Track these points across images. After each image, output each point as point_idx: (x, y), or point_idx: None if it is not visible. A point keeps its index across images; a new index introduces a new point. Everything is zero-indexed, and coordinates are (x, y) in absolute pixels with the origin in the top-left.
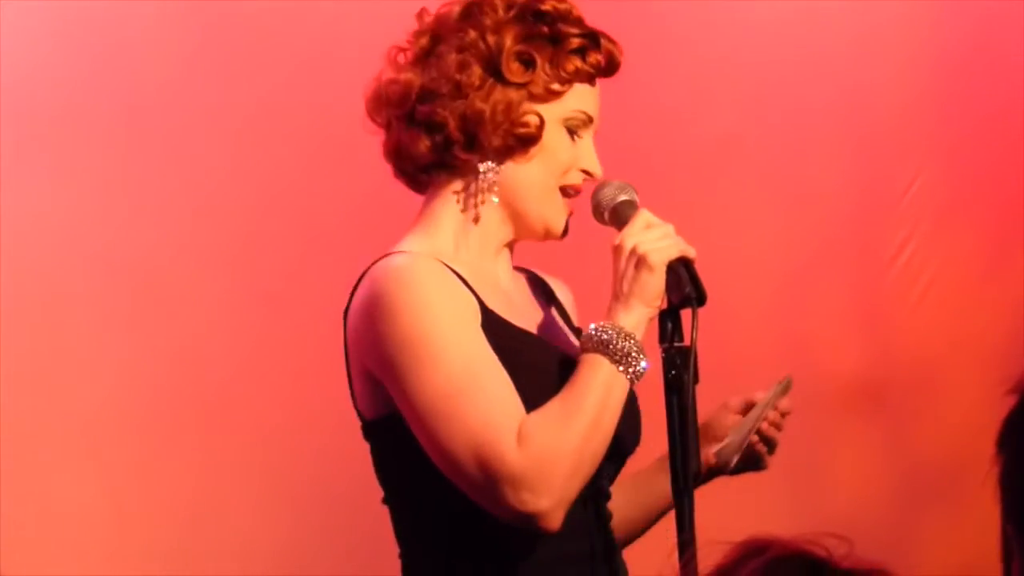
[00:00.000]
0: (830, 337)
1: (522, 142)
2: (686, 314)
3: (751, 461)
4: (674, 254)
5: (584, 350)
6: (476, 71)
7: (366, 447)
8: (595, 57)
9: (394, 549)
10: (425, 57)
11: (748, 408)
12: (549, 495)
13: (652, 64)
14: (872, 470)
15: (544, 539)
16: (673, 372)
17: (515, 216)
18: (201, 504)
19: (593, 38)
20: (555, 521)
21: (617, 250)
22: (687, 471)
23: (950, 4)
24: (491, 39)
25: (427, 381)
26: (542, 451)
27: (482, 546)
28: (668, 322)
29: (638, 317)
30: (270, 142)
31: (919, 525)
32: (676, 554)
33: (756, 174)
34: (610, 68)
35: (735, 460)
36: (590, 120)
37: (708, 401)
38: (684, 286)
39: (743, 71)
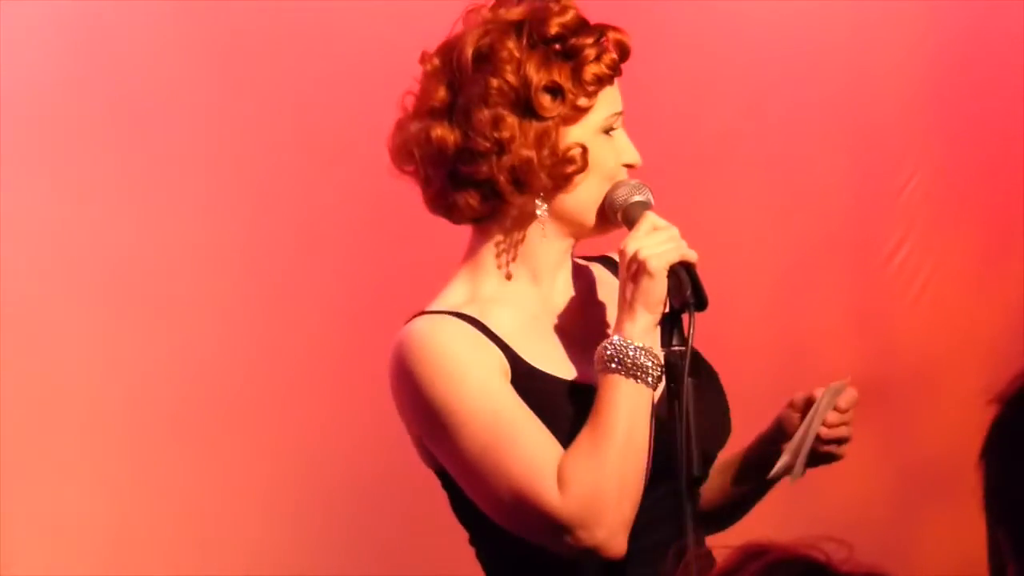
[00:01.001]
0: (826, 335)
1: (571, 176)
2: (688, 318)
3: (823, 459)
4: (674, 258)
5: (599, 371)
6: (511, 122)
7: (371, 451)
8: (609, 56)
9: (399, 552)
10: (447, 110)
11: (810, 404)
12: (603, 527)
13: (648, 64)
14: (869, 468)
15: (621, 569)
16: (673, 377)
17: (572, 231)
18: (204, 508)
19: (601, 38)
20: (618, 547)
21: (621, 255)
22: (690, 475)
23: (947, 2)
24: (513, 80)
25: (460, 446)
26: (584, 490)
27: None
28: (668, 326)
29: (644, 324)
30: (276, 144)
31: (916, 524)
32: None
33: (752, 172)
34: (623, 57)
35: (795, 477)
36: (619, 114)
37: None
38: (685, 290)
39: (739, 70)
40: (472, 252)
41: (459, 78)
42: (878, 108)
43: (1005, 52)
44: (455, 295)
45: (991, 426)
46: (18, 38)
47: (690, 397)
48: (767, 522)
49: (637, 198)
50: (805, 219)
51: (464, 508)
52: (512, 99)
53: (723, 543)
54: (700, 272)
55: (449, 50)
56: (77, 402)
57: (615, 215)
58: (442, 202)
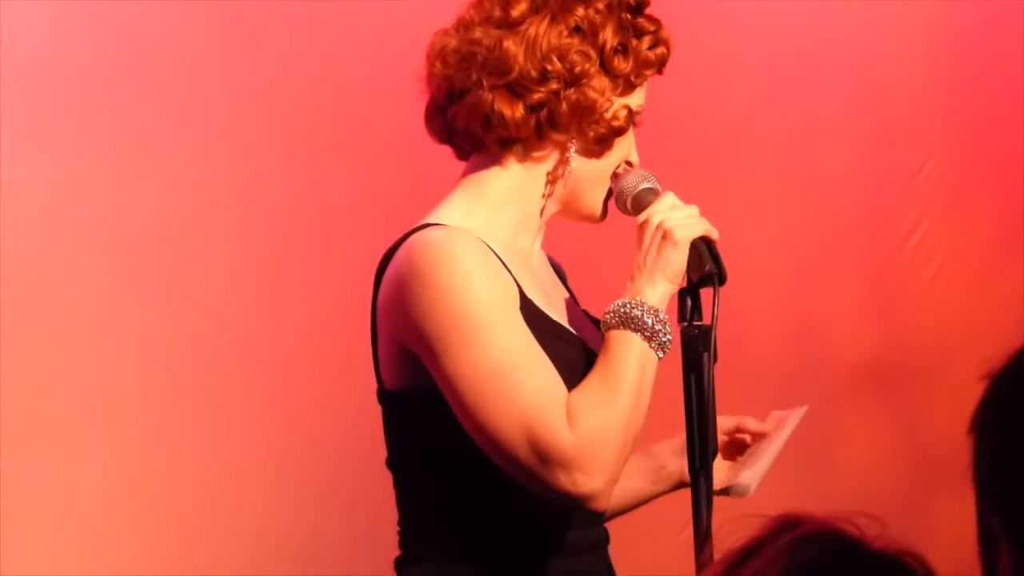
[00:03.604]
0: (842, 319)
1: (615, 134)
2: (705, 294)
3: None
4: (698, 232)
5: (611, 327)
6: (593, 58)
7: (373, 416)
8: (661, 50)
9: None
10: (520, 24)
11: (736, 431)
12: (601, 475)
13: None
14: (882, 451)
15: (548, 526)
16: (692, 351)
17: (572, 198)
18: (213, 490)
19: (659, 30)
20: (605, 501)
21: (643, 226)
22: (704, 451)
23: None
24: (601, 26)
25: (473, 359)
26: (592, 431)
27: (485, 532)
28: (688, 301)
29: (662, 292)
30: (287, 116)
31: (929, 507)
32: (688, 532)
33: (768, 157)
34: (667, 60)
35: (751, 492)
36: (642, 111)
37: (719, 384)
38: (705, 264)
39: (758, 55)
40: (474, 173)
41: (546, 2)
42: (894, 92)
43: (1021, 39)
44: (455, 216)
45: (979, 404)
46: (33, 13)
47: (711, 372)
48: (779, 501)
49: (647, 185)
50: (820, 202)
51: (408, 435)
52: (593, 42)
53: (758, 512)
54: None
55: None
56: (82, 372)
57: (625, 202)
58: (482, 110)
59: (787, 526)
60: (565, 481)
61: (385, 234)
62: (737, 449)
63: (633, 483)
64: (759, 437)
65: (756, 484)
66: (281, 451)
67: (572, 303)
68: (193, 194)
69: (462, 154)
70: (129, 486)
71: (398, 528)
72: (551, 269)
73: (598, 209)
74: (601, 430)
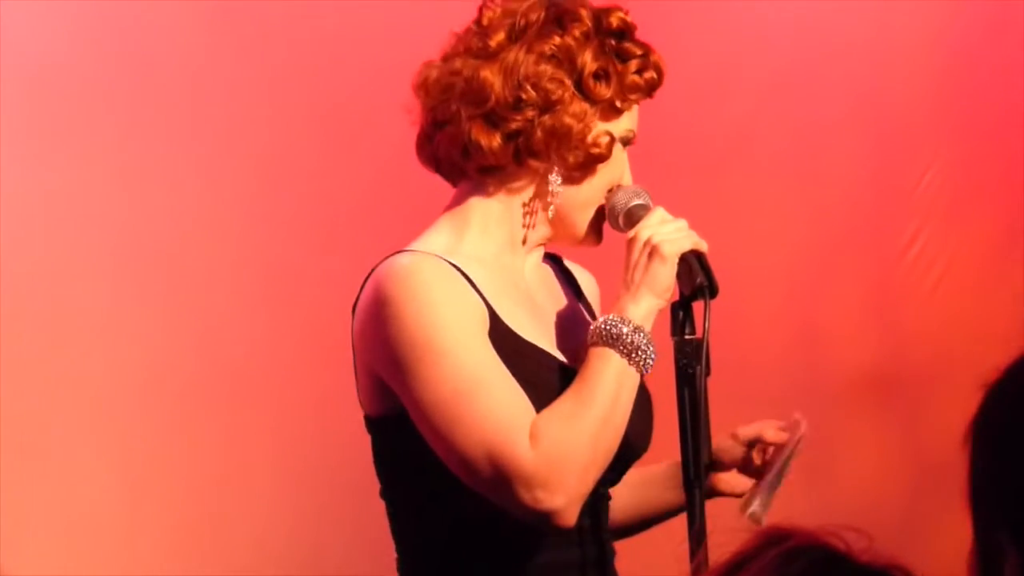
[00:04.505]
0: (843, 327)
1: (595, 160)
2: (698, 306)
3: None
4: (687, 246)
5: (592, 344)
6: (568, 85)
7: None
8: (650, 74)
9: None
10: (497, 54)
11: (755, 442)
12: (563, 493)
13: (677, 52)
14: (885, 459)
15: (539, 545)
16: (685, 364)
17: (561, 224)
18: (217, 493)
19: (648, 55)
20: (570, 518)
21: (631, 242)
22: (698, 463)
23: None
24: (578, 52)
25: (435, 383)
26: (554, 449)
27: (474, 550)
28: (680, 313)
29: (647, 308)
30: (291, 120)
31: (933, 515)
32: (686, 545)
33: (769, 165)
34: (658, 85)
35: (763, 522)
36: (633, 136)
37: (721, 393)
38: (696, 277)
39: (759, 65)
40: (459, 202)
41: (524, 31)
42: (895, 101)
43: (1022, 48)
44: (436, 242)
45: (977, 413)
46: (38, 17)
47: (704, 384)
48: (780, 512)
49: (638, 201)
50: (822, 211)
51: (391, 460)
52: (570, 69)
53: (743, 528)
54: (716, 263)
55: (516, 3)
56: (85, 374)
57: (616, 219)
58: (461, 141)
59: (774, 540)
60: (527, 498)
61: (390, 237)
62: (754, 464)
63: (670, 495)
64: (778, 448)
65: (765, 513)
66: (285, 455)
67: (573, 316)
68: (197, 197)
69: (451, 182)
70: (132, 488)
71: (396, 555)
72: (557, 282)
73: (587, 233)
74: (564, 448)
